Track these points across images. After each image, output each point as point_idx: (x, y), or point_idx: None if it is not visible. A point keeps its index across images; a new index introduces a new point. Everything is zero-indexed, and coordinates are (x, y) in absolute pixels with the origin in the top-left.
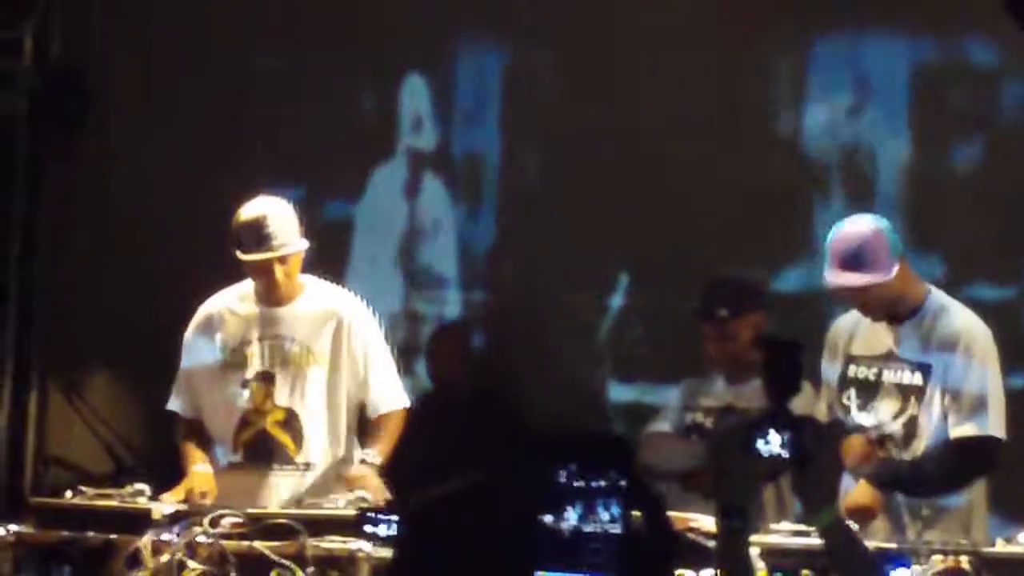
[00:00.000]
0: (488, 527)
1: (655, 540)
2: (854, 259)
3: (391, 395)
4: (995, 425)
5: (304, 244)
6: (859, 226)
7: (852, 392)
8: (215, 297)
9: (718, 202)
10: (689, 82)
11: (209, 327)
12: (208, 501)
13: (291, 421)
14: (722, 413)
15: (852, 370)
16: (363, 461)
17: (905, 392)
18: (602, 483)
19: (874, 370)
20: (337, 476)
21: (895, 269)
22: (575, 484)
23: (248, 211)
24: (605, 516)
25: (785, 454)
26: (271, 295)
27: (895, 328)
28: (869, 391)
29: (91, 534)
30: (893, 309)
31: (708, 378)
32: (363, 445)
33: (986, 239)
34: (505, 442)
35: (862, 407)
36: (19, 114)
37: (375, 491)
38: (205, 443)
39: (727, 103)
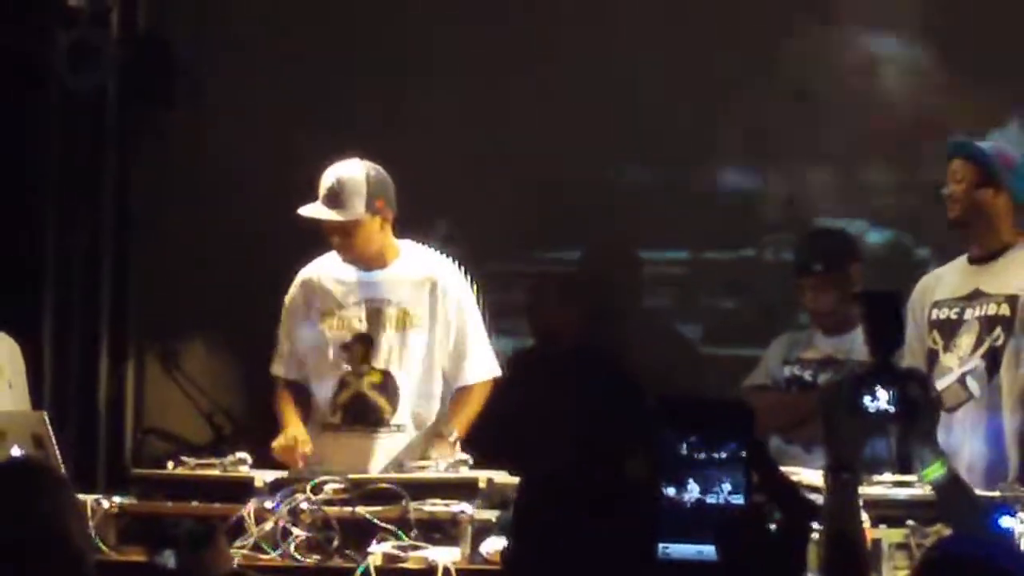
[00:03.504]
0: (612, 497)
1: (792, 511)
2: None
3: (482, 366)
4: None
5: (364, 215)
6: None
7: (936, 335)
8: (313, 263)
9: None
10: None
11: (308, 292)
12: (303, 451)
13: (387, 383)
14: (821, 365)
15: (935, 314)
16: (439, 435)
17: (990, 324)
18: (724, 454)
19: (956, 309)
20: (433, 438)
21: (1002, 188)
22: (697, 455)
23: (325, 173)
24: (727, 487)
25: (892, 409)
26: (363, 259)
27: (980, 268)
28: (951, 329)
29: (195, 504)
30: (973, 221)
31: (805, 331)
32: (445, 419)
33: None
34: (617, 405)
35: (946, 347)
36: (108, 87)
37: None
38: (303, 406)
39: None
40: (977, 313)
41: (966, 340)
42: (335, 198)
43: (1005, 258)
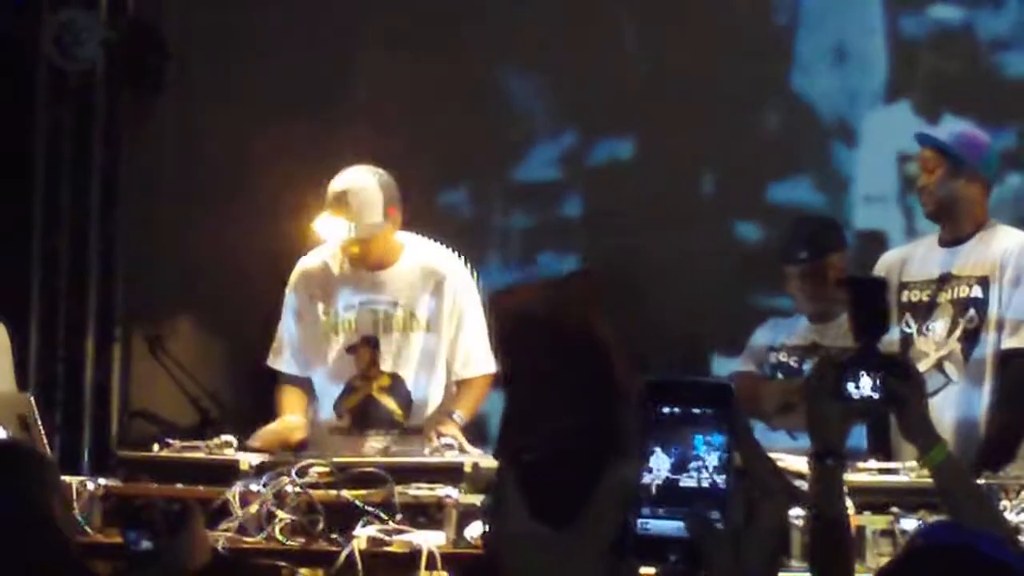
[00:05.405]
0: (591, 476)
1: (774, 491)
2: (950, 131)
3: (479, 362)
4: None
5: (381, 225)
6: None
7: (908, 317)
8: (312, 255)
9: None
10: None
11: (308, 287)
12: (294, 438)
13: (396, 386)
14: (806, 352)
15: (905, 296)
16: (450, 416)
17: (963, 307)
18: (704, 427)
19: (927, 292)
20: (425, 427)
21: (975, 174)
22: (677, 428)
23: (334, 185)
24: (707, 465)
25: (876, 396)
26: (365, 261)
27: (950, 250)
28: (923, 313)
29: (180, 486)
30: (948, 212)
31: (791, 317)
32: (448, 405)
33: None
34: (607, 389)
35: (920, 331)
36: (96, 69)
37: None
38: (307, 397)
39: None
40: (950, 296)
41: (940, 324)
42: (350, 211)
43: (974, 239)
